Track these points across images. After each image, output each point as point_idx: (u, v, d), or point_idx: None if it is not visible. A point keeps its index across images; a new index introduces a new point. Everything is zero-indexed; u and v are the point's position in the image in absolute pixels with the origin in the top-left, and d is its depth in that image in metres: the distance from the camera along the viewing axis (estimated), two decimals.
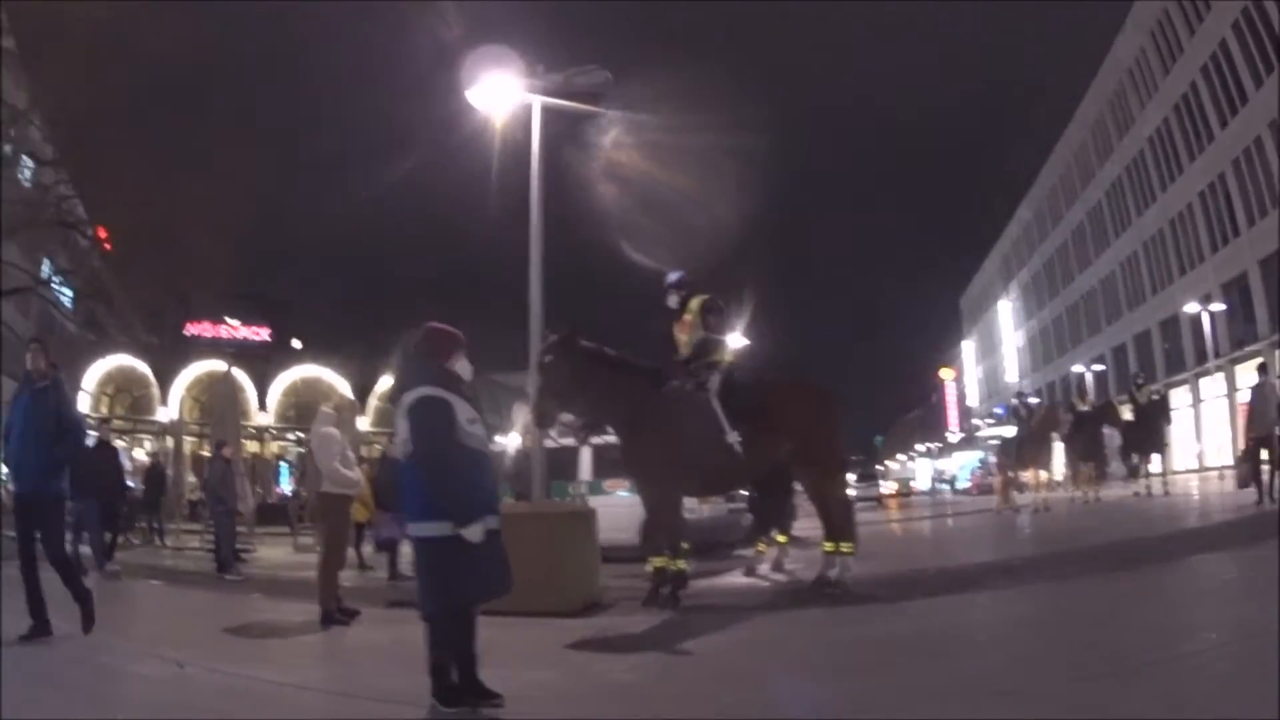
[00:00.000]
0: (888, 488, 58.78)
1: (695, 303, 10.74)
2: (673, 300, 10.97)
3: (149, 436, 48.11)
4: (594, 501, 14.15)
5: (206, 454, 34.38)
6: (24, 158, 30.94)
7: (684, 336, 10.78)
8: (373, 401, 44.25)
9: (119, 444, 29.76)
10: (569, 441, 14.67)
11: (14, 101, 26.64)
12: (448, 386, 5.64)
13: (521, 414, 16.27)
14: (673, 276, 11.09)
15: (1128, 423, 23.32)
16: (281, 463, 48.59)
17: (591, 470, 16.35)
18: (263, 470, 44.09)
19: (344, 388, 46.39)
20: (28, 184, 32.71)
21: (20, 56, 26.08)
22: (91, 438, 16.07)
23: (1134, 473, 23.58)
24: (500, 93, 13.79)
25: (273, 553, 21.13)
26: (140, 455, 42.97)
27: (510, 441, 18.35)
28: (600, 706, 5.67)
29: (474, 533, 5.33)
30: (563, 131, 14.92)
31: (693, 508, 11.86)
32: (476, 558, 5.41)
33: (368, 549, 16.01)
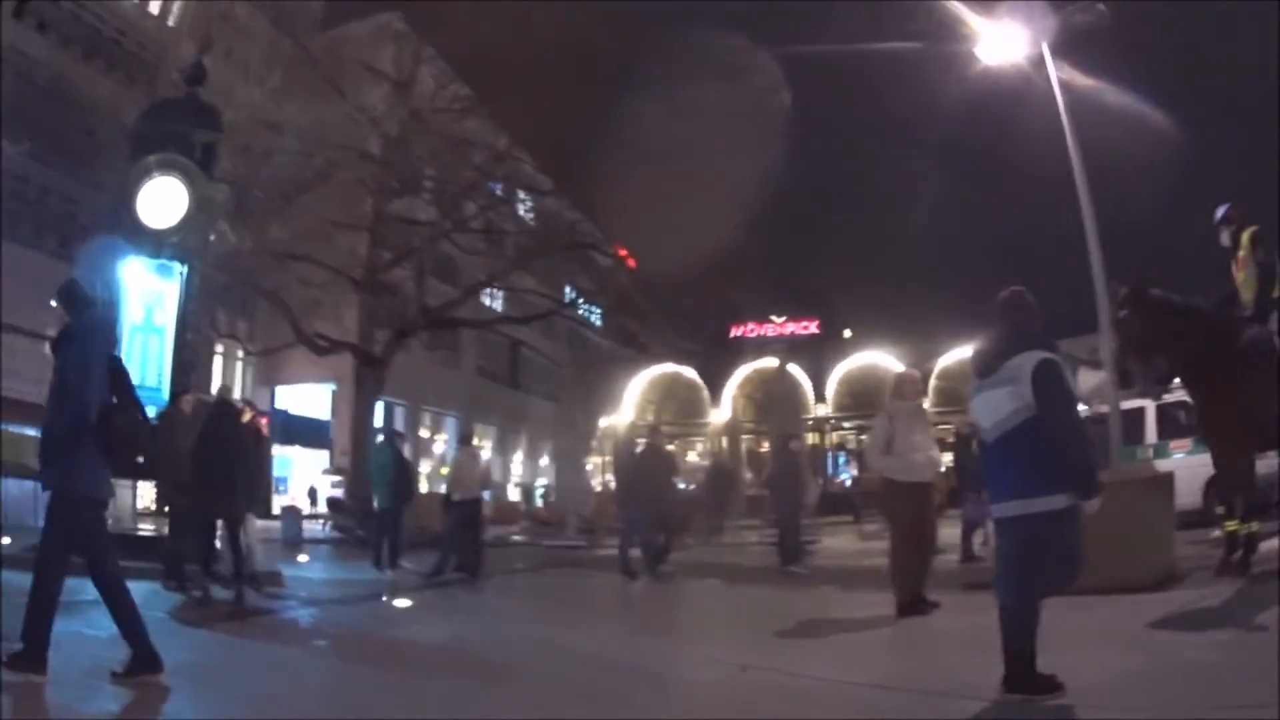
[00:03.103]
0: None
1: (1245, 236, 10.27)
2: (1224, 238, 10.54)
3: (700, 439, 51.02)
4: (1160, 465, 13.85)
5: (763, 450, 35.79)
6: (519, 192, 33.83)
7: (1240, 274, 10.38)
8: (932, 382, 44.19)
9: (669, 448, 31.75)
10: (1140, 402, 14.91)
11: (493, 143, 29.17)
12: (1055, 350, 5.69)
13: (1090, 378, 15.73)
14: (1220, 211, 10.62)
15: None
16: (841, 452, 49.85)
17: (1156, 431, 15.93)
18: (823, 460, 45.47)
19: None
20: (528, 217, 36.03)
21: (482, 100, 28.55)
22: (640, 445, 17.05)
23: None
24: (1008, 44, 14.57)
25: (838, 542, 21.70)
26: (692, 457, 45.72)
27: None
28: (1189, 692, 5.51)
29: (1094, 506, 5.38)
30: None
31: None
32: (1075, 538, 5.43)
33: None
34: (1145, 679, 5.79)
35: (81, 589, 9.91)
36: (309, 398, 40.82)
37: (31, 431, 21.14)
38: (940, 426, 26.40)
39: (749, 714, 5.81)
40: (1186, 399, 10.97)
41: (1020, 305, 5.89)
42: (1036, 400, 5.44)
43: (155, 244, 13.51)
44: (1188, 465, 13.25)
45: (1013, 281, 5.98)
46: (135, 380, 13.09)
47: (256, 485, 12.03)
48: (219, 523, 11.23)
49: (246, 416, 12.50)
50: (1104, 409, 13.93)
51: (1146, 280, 9.94)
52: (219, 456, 10.54)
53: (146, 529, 13.80)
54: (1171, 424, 15.05)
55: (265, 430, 16.58)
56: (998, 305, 5.93)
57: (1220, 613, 7.57)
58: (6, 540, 13.69)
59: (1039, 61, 14.31)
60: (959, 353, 42.40)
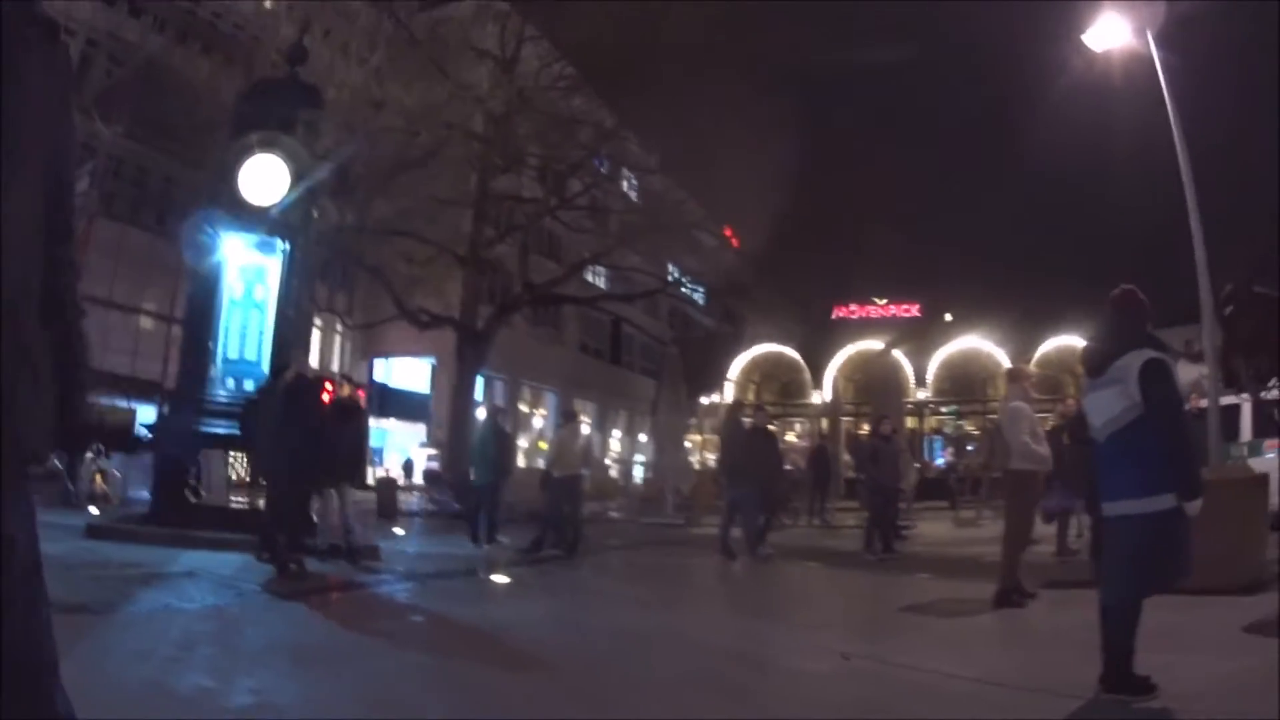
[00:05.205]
0: None
1: None
2: None
3: (800, 420, 50.82)
4: (1254, 463, 13.73)
5: (863, 433, 35.86)
6: (624, 170, 33.83)
7: None
8: (1030, 369, 43.58)
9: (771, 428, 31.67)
10: (1235, 398, 14.90)
11: (600, 121, 29.14)
12: (1164, 350, 5.66)
13: (1188, 371, 15.40)
14: None
15: None
16: (937, 437, 49.42)
17: (1252, 429, 15.54)
18: (920, 446, 45.14)
19: (1001, 357, 46.41)
20: (633, 195, 36.12)
21: (588, 79, 28.60)
22: (747, 423, 16.88)
23: None
24: (1113, 31, 14.16)
25: (933, 528, 21.44)
26: (790, 438, 45.50)
27: None
28: None
29: (1195, 508, 5.33)
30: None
31: None
32: (1184, 538, 5.42)
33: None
34: (1240, 683, 5.77)
35: (172, 560, 10.21)
36: (408, 371, 41.17)
37: (123, 404, 22.27)
38: (1040, 415, 26.13)
39: (862, 706, 5.79)
40: None
41: (1130, 304, 5.87)
42: (1143, 400, 5.45)
43: (257, 220, 13.67)
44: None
45: (1112, 270, 5.85)
46: (235, 354, 13.58)
47: (349, 459, 12.04)
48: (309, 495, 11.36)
49: (345, 391, 12.63)
50: (1203, 404, 13.56)
51: (1251, 278, 9.71)
52: (296, 430, 10.60)
53: (239, 501, 14.00)
54: (1267, 422, 14.94)
55: (363, 403, 16.71)
56: (1108, 304, 5.92)
57: None
58: (94, 510, 14.06)
59: (1145, 49, 13.90)
60: (1057, 341, 43.01)
